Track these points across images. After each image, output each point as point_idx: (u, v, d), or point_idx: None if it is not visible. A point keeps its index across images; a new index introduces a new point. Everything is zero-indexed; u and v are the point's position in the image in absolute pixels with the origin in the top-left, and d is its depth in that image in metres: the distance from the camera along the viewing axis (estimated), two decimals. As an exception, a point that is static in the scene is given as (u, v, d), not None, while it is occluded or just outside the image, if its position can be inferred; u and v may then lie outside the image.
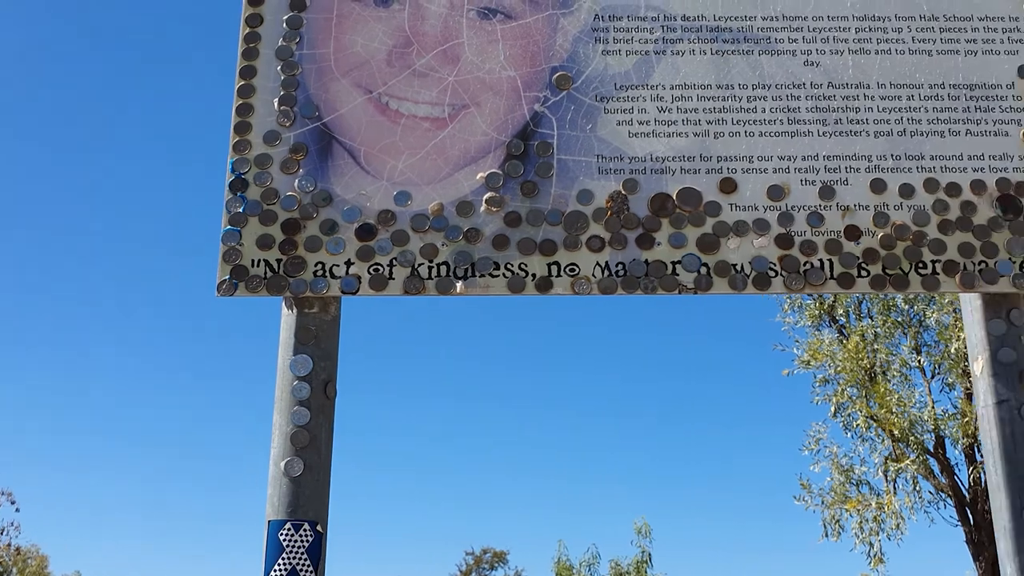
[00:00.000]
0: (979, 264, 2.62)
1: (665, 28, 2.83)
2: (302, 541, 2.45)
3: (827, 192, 2.69)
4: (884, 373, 12.05)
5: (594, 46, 2.80)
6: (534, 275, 2.58)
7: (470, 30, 2.78)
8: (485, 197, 2.63)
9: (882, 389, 11.61)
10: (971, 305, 2.70)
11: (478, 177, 2.65)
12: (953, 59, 2.83)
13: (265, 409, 2.63)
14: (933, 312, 11.79)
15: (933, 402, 11.93)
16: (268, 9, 2.81)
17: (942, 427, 11.86)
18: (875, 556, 11.87)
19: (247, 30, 2.79)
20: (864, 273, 2.61)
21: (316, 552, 2.45)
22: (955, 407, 11.92)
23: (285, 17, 2.80)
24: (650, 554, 14.39)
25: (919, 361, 12.32)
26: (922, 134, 2.75)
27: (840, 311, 12.37)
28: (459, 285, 2.56)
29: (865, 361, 11.83)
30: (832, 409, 12.14)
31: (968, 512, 12.14)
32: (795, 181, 2.70)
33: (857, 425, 12.02)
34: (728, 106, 2.76)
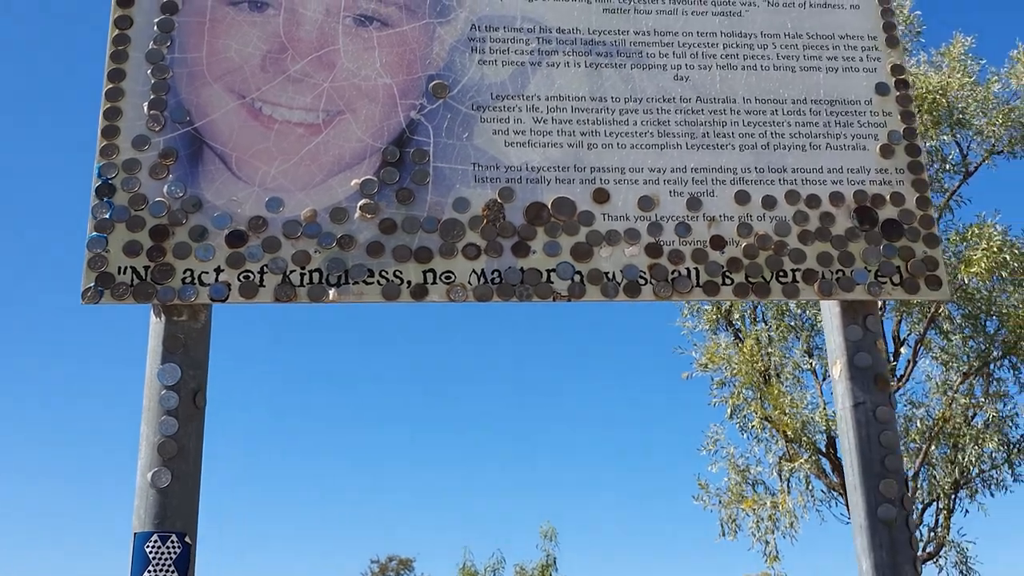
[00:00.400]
0: (836, 272, 2.74)
1: (541, 40, 2.88)
2: (169, 553, 2.40)
3: (694, 203, 2.77)
4: (778, 375, 12.41)
5: (471, 55, 2.83)
6: (409, 282, 2.59)
7: (346, 37, 2.78)
8: (360, 204, 2.63)
9: (776, 391, 11.96)
10: (830, 312, 2.82)
11: (352, 184, 2.65)
12: (815, 76, 2.96)
13: (135, 420, 2.57)
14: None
15: (824, 403, 12.32)
16: (138, 11, 2.75)
17: (833, 427, 12.25)
18: (770, 554, 12.21)
19: (116, 32, 2.73)
20: (728, 281, 2.69)
21: (184, 564, 2.41)
22: (845, 408, 12.36)
23: (156, 20, 2.75)
24: (555, 558, 14.52)
25: (811, 364, 12.72)
26: (785, 148, 2.86)
27: (736, 316, 12.70)
28: (332, 292, 2.55)
29: (760, 364, 12.17)
30: (728, 411, 12.44)
31: (857, 509, 12.58)
32: (664, 192, 2.78)
33: (752, 426, 12.35)
34: (601, 118, 2.82)
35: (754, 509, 12.39)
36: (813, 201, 2.81)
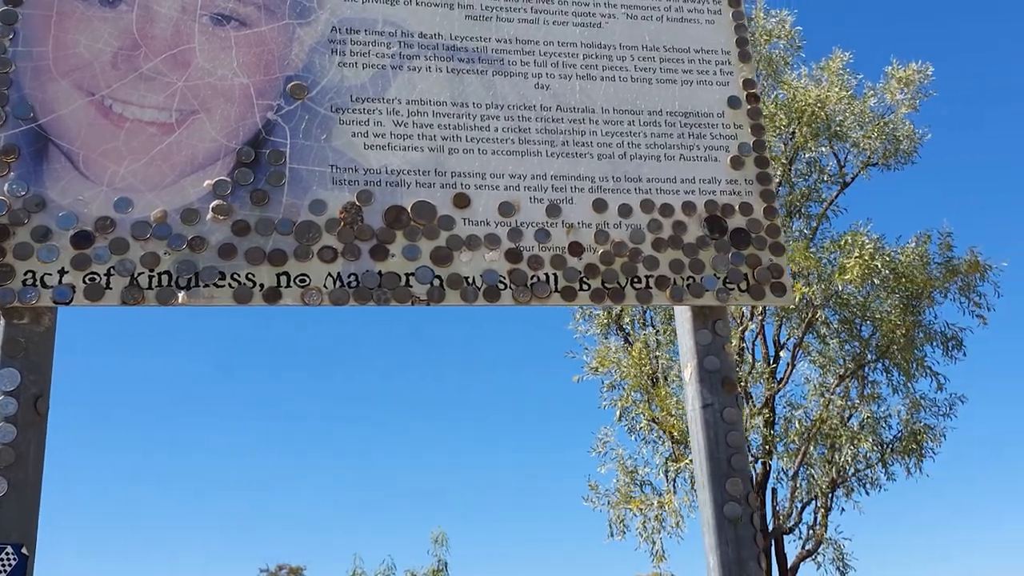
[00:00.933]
0: (687, 279, 2.83)
1: (402, 44, 2.89)
2: (3, 566, 2.32)
3: (554, 210, 2.82)
4: (665, 378, 12.67)
5: (331, 57, 2.82)
6: (262, 285, 2.56)
7: (202, 35, 2.74)
8: (212, 205, 2.59)
9: (663, 393, 12.20)
10: (682, 317, 2.92)
11: (205, 184, 2.61)
12: (671, 88, 3.05)
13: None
14: (709, 321, 12.55)
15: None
16: (-21, 1, 2.65)
17: (717, 429, 12.58)
18: (657, 553, 12.44)
19: (-45, 22, 2.62)
20: (585, 287, 2.75)
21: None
22: (728, 410, 12.70)
23: (-1, 11, 2.65)
24: (446, 562, 14.51)
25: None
26: (641, 158, 2.94)
27: (626, 320, 12.93)
28: (181, 295, 2.50)
29: (648, 367, 12.41)
30: (618, 413, 12.64)
31: (740, 508, 12.91)
32: (525, 198, 2.82)
33: (640, 428, 12.58)
34: (462, 123, 2.85)
35: (641, 509, 12.60)
36: (666, 210, 2.89)
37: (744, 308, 12.28)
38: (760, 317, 12.64)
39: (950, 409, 12.43)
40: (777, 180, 12.11)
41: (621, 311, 12.77)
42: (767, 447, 12.44)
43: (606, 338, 12.98)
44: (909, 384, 12.44)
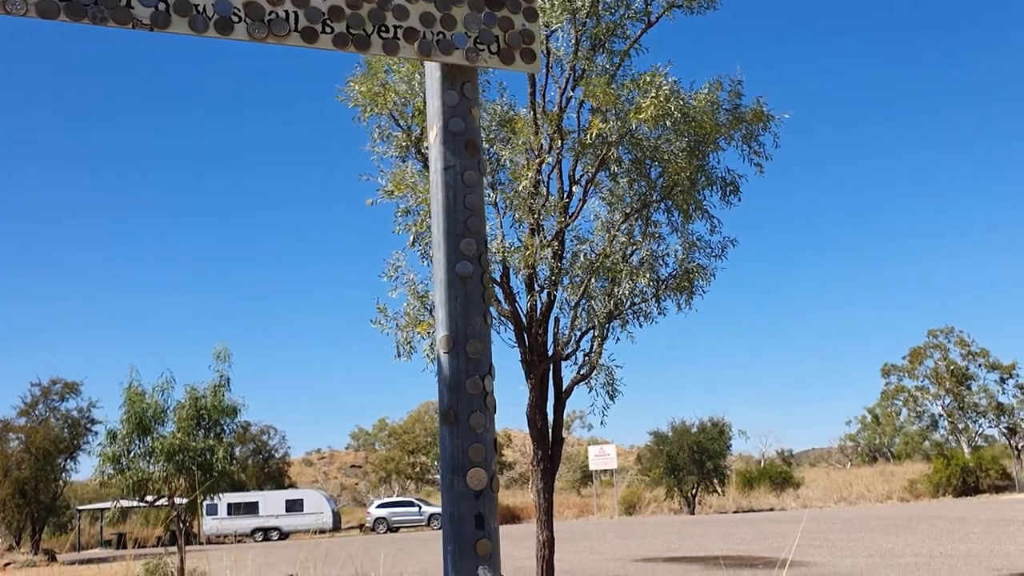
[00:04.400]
0: (437, 34, 2.76)
1: None
2: None
3: (300, -57, 2.64)
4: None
5: None
6: (-46, -16, 2.27)
7: None
8: None
9: (456, 220, 12.29)
10: (432, 77, 2.86)
11: None
12: None
13: None
14: (507, 152, 12.62)
15: (503, 235, 12.90)
16: None
17: (508, 258, 12.89)
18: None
19: None
20: (328, 30, 2.63)
21: None
22: (520, 241, 12.99)
23: None
24: (228, 378, 14.39)
25: (494, 198, 13.19)
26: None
27: (425, 145, 12.79)
28: None
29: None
30: (411, 239, 12.66)
31: (525, 336, 13.42)
32: (268, -73, 2.62)
33: (433, 254, 12.71)
34: None
35: (428, 332, 12.88)
36: (421, -41, 2.78)
37: (543, 140, 12.43)
38: (557, 152, 12.84)
39: (722, 251, 13.28)
40: (585, 11, 12.08)
41: (421, 134, 12.61)
42: (553, 278, 12.90)
43: (403, 161, 12.84)
44: (687, 225, 13.15)
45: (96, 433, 41.70)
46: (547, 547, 12.54)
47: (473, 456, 2.60)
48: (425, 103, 11.65)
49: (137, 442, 14.31)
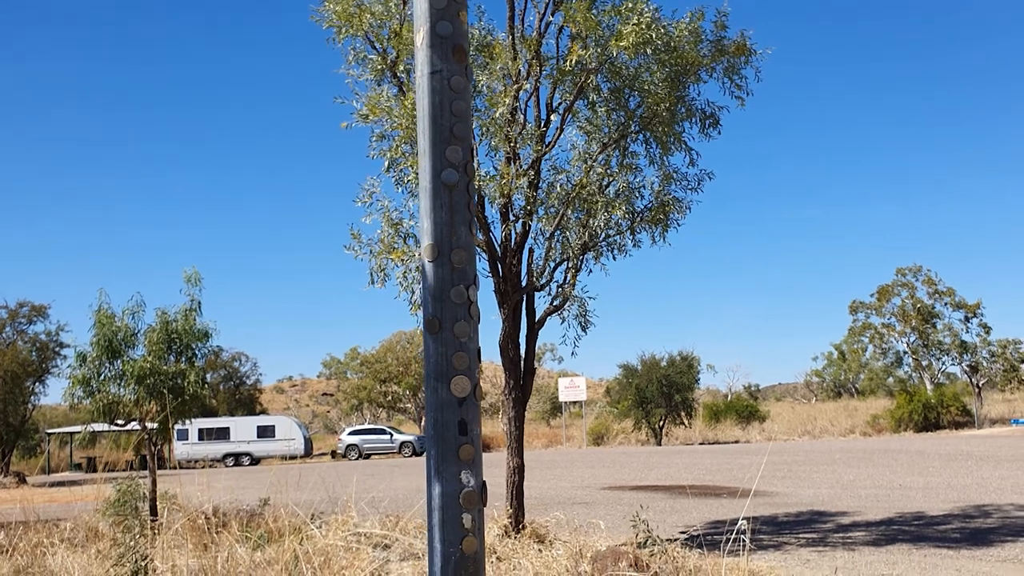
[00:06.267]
0: (426, -68, 2.67)
1: None
2: None
3: None
4: (437, 132, 12.58)
5: None
6: None
7: None
8: None
9: (433, 146, 12.14)
10: (419, -24, 2.77)
11: None
12: None
13: None
14: (484, 77, 12.44)
15: (478, 163, 12.77)
16: None
17: (483, 187, 12.79)
18: (415, 303, 12.81)
19: None
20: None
21: None
22: (496, 169, 12.88)
23: None
24: (199, 302, 14.25)
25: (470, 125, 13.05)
26: None
27: (401, 68, 12.56)
28: None
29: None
30: (386, 164, 12.51)
31: (499, 266, 13.41)
32: None
33: (408, 180, 12.56)
34: None
35: (403, 260, 12.82)
36: None
37: (521, 66, 12.24)
38: (535, 79, 12.67)
39: (698, 184, 13.27)
40: (567, -66, 11.81)
41: (397, 57, 12.38)
42: (529, 208, 12.84)
43: (379, 85, 12.62)
44: (665, 157, 13.09)
45: (65, 357, 41.52)
46: (517, 473, 12.71)
47: (457, 364, 2.59)
48: (401, 25, 11.36)
49: (107, 365, 14.21)
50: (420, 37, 2.76)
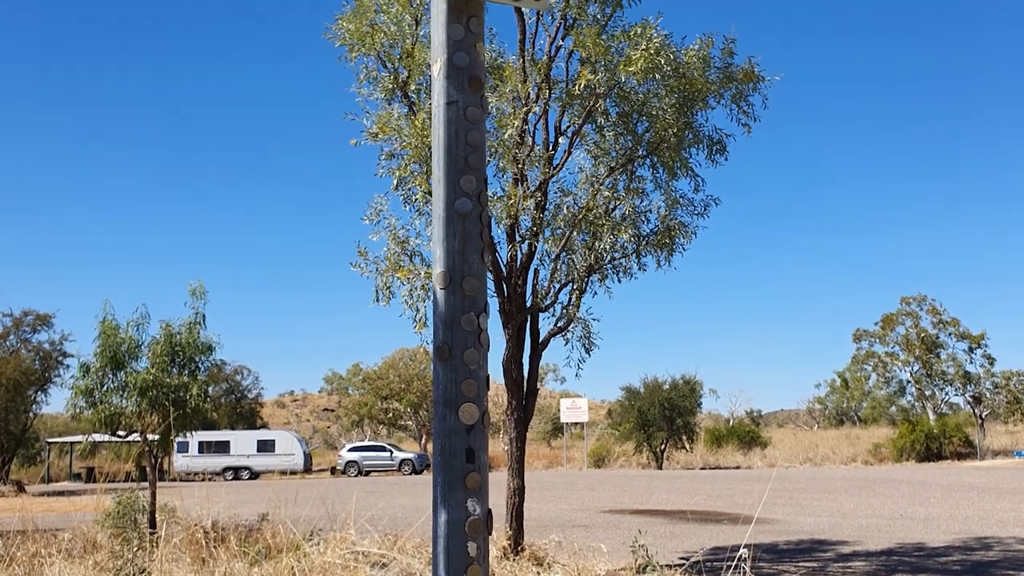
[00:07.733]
0: (445, -35, 2.71)
1: None
2: None
3: None
4: (446, 152, 12.64)
5: None
6: None
7: None
8: None
9: (441, 167, 12.20)
10: (437, 9, 2.82)
11: None
12: None
13: None
14: (494, 99, 12.51)
15: (486, 184, 12.83)
16: None
17: (490, 208, 12.85)
18: (419, 320, 12.82)
19: None
20: (335, -46, 2.57)
21: None
22: (503, 190, 12.95)
23: None
24: (204, 315, 14.28)
25: (484, 155, 13.10)
26: None
27: (412, 87, 12.64)
28: None
29: (429, 139, 12.31)
30: (395, 183, 12.56)
31: (504, 286, 13.44)
32: None
33: (416, 199, 12.62)
34: None
35: (409, 278, 12.85)
36: None
37: (531, 89, 12.32)
38: (544, 102, 12.74)
39: (704, 209, 13.31)
40: (578, -40, 11.92)
41: (408, 77, 12.47)
42: (535, 229, 12.88)
43: (389, 104, 12.70)
44: (671, 182, 13.14)
45: (68, 366, 41.52)
46: (517, 495, 12.69)
47: (466, 391, 2.61)
48: (413, 46, 11.43)
49: (110, 376, 14.23)
50: (437, 68, 2.80)
